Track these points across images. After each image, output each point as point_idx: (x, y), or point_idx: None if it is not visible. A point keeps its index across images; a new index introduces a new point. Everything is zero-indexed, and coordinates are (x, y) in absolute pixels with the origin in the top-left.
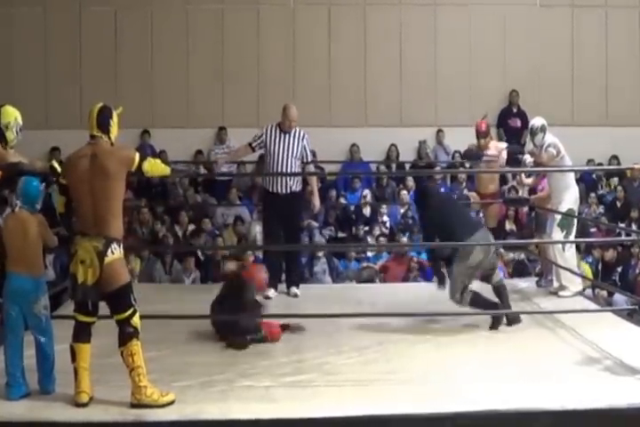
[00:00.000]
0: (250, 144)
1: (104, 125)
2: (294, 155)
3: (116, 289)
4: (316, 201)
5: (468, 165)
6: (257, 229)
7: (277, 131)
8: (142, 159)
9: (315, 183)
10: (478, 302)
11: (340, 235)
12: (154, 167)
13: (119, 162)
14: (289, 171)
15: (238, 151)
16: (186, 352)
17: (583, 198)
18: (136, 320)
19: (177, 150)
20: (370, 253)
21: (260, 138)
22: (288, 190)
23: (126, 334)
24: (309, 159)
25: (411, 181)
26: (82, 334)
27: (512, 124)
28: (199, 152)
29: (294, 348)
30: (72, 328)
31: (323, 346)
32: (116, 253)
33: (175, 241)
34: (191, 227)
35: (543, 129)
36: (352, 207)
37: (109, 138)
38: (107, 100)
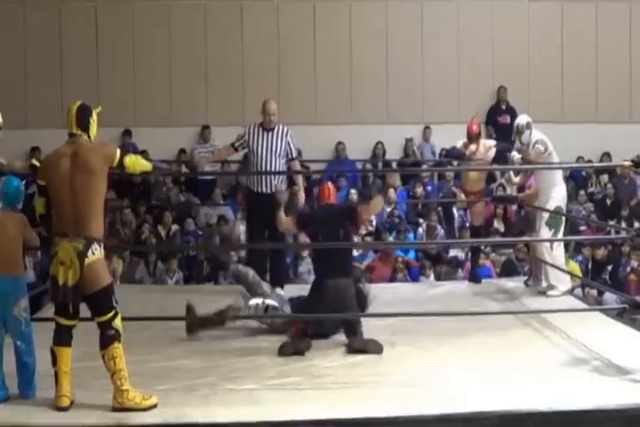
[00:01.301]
0: (232, 144)
1: (84, 123)
2: (278, 153)
3: (97, 291)
4: (302, 198)
5: (455, 163)
6: (241, 229)
7: (260, 129)
8: (123, 155)
9: (301, 181)
10: None
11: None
12: (135, 163)
13: (101, 157)
14: (273, 169)
15: (221, 152)
16: (168, 355)
17: (573, 196)
18: (118, 323)
19: (160, 149)
20: (356, 253)
21: (242, 138)
22: (272, 189)
23: (108, 337)
24: (294, 155)
25: (398, 180)
26: (63, 337)
27: (502, 120)
28: (182, 151)
29: (277, 350)
30: (52, 331)
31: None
32: (96, 253)
33: (158, 241)
34: (175, 227)
35: (529, 126)
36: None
37: (89, 136)
38: (88, 98)
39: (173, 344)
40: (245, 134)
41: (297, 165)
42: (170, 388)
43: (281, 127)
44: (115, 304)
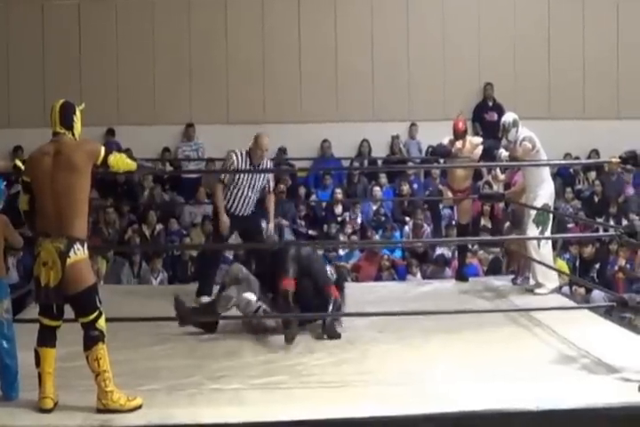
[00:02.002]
0: (222, 181)
1: (67, 122)
2: (259, 189)
3: (81, 291)
4: (270, 223)
5: (442, 160)
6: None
7: (247, 163)
8: (108, 153)
9: (272, 204)
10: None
11: (312, 233)
12: (120, 162)
13: (85, 155)
14: (251, 203)
15: (219, 197)
16: (153, 355)
17: (560, 194)
18: (101, 323)
19: (143, 148)
20: (341, 252)
21: (232, 165)
22: (248, 212)
23: (91, 338)
24: (270, 189)
25: (384, 178)
26: (47, 338)
27: (489, 118)
28: (166, 150)
29: (263, 348)
30: (36, 332)
31: (292, 346)
32: (79, 253)
33: (142, 241)
34: (159, 226)
35: (515, 124)
36: (323, 205)
37: (73, 135)
38: (71, 96)
39: (158, 344)
40: (233, 162)
41: (271, 199)
42: (155, 388)
43: (266, 161)
44: (99, 304)
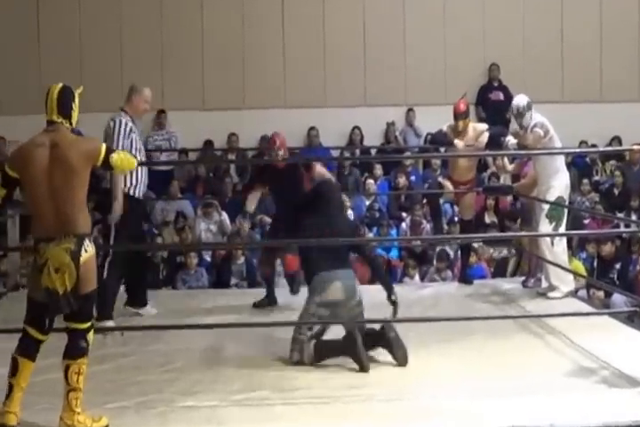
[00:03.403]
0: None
1: (66, 109)
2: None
3: (87, 294)
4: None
5: (443, 149)
6: (202, 227)
7: (133, 129)
8: (109, 153)
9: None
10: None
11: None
12: (124, 162)
13: (83, 155)
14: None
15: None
16: (121, 368)
17: (575, 185)
18: (91, 336)
19: None
20: None
21: (124, 134)
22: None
23: (79, 349)
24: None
25: (378, 169)
26: (30, 348)
27: (494, 97)
28: None
29: (243, 360)
30: (17, 341)
31: (275, 357)
32: (89, 250)
33: (107, 242)
34: None
35: (529, 107)
36: None
37: (70, 124)
38: (30, 83)
39: (125, 356)
40: (124, 129)
41: None
42: (122, 405)
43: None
44: (94, 314)
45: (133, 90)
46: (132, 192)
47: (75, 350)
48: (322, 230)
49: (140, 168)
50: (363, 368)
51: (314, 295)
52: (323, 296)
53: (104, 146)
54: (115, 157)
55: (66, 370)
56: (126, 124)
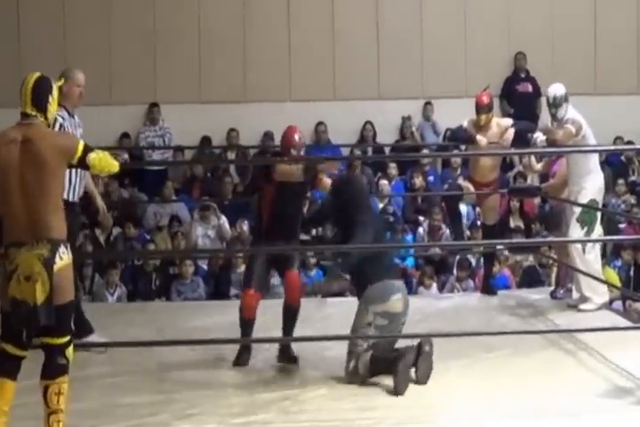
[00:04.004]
0: None
1: (41, 102)
2: None
3: (64, 305)
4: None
5: (463, 147)
6: (198, 232)
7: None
8: (87, 151)
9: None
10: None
11: (303, 237)
12: (103, 162)
13: (58, 151)
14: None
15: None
16: (110, 389)
17: (609, 186)
18: (70, 352)
19: (97, 134)
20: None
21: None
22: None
23: (59, 367)
24: None
25: (393, 169)
26: (8, 367)
27: (521, 89)
28: (125, 135)
29: (245, 379)
30: None
31: (281, 377)
32: (65, 257)
33: (96, 249)
34: (116, 230)
35: (566, 99)
36: (319, 202)
37: (46, 118)
38: (6, 73)
39: (116, 375)
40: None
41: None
42: None
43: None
44: (72, 328)
45: (63, 74)
46: (65, 196)
47: (53, 369)
48: (375, 235)
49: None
50: (397, 392)
51: (372, 304)
52: (383, 306)
53: (82, 143)
54: (93, 156)
55: (45, 391)
56: (54, 122)
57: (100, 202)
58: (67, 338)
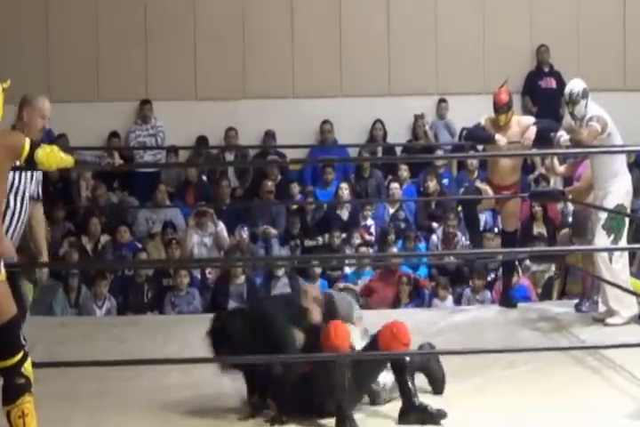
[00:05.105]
0: None
1: None
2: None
3: (5, 324)
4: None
5: (480, 147)
6: (194, 240)
7: None
8: (34, 147)
9: (42, 224)
10: None
11: (309, 244)
12: (50, 157)
13: (4, 150)
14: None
15: None
16: (97, 411)
17: (638, 190)
18: (28, 368)
19: (83, 133)
20: (348, 270)
21: None
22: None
23: (15, 388)
24: (40, 195)
25: (404, 171)
26: None
27: (545, 84)
28: (114, 135)
29: (245, 399)
30: None
31: None
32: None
33: (82, 257)
34: (104, 238)
35: (585, 95)
36: (324, 207)
37: None
38: None
39: (103, 396)
40: None
41: (40, 213)
42: None
43: None
44: (24, 343)
45: (25, 101)
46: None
47: (11, 391)
48: None
49: None
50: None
51: None
52: None
53: (28, 140)
54: (39, 152)
55: (7, 417)
56: None
57: (43, 246)
58: (19, 356)
